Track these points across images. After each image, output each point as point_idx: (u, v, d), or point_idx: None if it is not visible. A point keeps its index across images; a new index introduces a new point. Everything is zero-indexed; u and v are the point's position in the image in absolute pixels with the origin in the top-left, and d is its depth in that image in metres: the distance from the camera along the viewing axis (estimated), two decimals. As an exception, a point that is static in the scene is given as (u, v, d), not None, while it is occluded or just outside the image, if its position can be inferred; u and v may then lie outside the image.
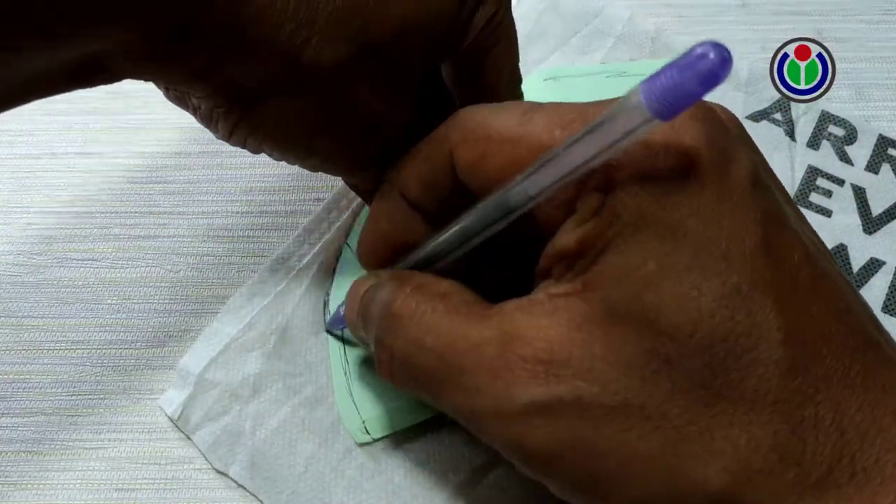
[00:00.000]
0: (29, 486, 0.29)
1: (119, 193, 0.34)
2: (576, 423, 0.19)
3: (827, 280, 0.20)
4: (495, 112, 0.22)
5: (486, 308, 0.22)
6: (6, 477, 0.29)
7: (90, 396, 0.30)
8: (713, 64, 0.15)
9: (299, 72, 0.22)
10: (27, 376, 0.31)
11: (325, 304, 0.32)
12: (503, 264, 0.25)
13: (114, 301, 0.32)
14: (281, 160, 0.26)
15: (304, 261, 0.32)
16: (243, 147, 0.25)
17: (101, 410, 0.30)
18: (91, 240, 0.33)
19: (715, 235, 0.19)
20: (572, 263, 0.20)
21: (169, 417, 0.29)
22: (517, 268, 0.23)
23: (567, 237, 0.20)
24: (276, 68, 0.22)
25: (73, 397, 0.30)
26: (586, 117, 0.20)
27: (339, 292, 0.31)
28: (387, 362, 0.23)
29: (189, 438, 0.29)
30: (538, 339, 0.20)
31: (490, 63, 0.27)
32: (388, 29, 0.23)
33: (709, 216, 0.19)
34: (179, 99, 0.24)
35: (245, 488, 0.28)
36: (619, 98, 0.17)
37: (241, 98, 0.23)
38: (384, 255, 0.26)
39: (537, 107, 0.21)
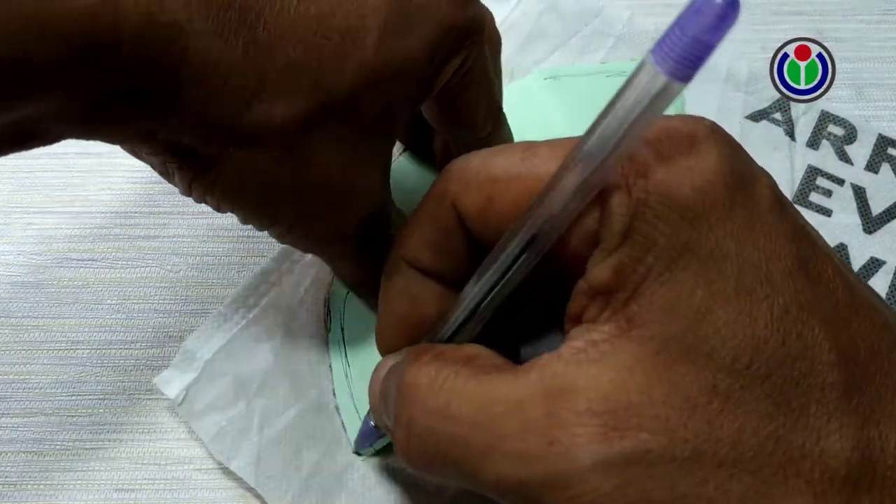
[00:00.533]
0: (29, 486, 0.29)
1: (119, 193, 0.34)
2: (647, 484, 0.17)
3: (858, 293, 0.19)
4: (492, 155, 0.21)
5: (518, 366, 0.19)
6: (6, 477, 0.29)
7: (90, 397, 0.30)
8: (720, 6, 0.14)
9: (250, 128, 0.21)
10: (27, 376, 0.31)
11: (327, 320, 0.32)
12: (518, 325, 0.23)
13: (114, 301, 0.32)
14: (247, 223, 0.25)
15: (308, 255, 0.32)
16: (205, 203, 0.24)
17: (101, 411, 0.30)
18: (91, 240, 0.33)
19: (754, 257, 0.18)
20: (608, 299, 0.18)
21: (168, 398, 0.29)
22: (533, 328, 0.22)
23: (600, 270, 0.18)
24: (221, 126, 0.21)
25: (73, 397, 0.30)
26: None
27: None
28: (404, 440, 0.20)
29: (189, 428, 0.29)
30: (589, 388, 0.17)
31: (465, 102, 0.26)
32: (346, 84, 0.22)
33: (744, 237, 0.18)
34: (134, 153, 0.23)
35: (246, 484, 0.28)
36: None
37: (193, 155, 0.22)
38: (407, 338, 0.24)
39: (536, 144, 0.20)
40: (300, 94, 0.21)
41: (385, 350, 0.24)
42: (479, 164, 0.21)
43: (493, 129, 0.29)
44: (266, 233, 0.25)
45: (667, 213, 0.17)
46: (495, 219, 0.20)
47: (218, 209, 0.24)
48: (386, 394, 0.22)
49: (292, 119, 0.21)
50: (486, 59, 0.26)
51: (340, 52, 0.21)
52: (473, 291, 0.21)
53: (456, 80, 0.25)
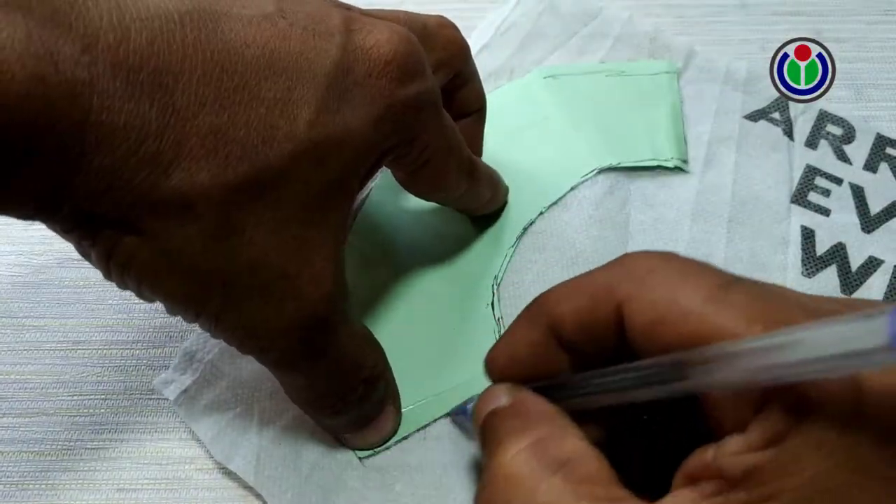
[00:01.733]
0: (30, 486, 0.29)
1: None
2: None
3: None
4: (678, 276, 0.19)
5: (609, 490, 0.19)
6: (8, 477, 0.29)
7: (91, 397, 0.30)
8: None
9: (170, 196, 0.19)
10: (28, 376, 0.31)
11: None
12: (640, 422, 0.23)
13: (115, 301, 0.32)
14: (174, 313, 0.23)
15: None
16: (128, 289, 0.22)
17: (102, 411, 0.30)
18: (92, 240, 0.33)
19: None
20: (728, 487, 0.17)
21: (167, 399, 0.29)
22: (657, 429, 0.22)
23: (732, 461, 0.17)
24: (137, 195, 0.19)
25: (75, 397, 0.30)
26: (791, 321, 0.17)
27: None
28: (480, 499, 0.21)
29: (190, 428, 0.29)
30: None
31: (433, 172, 0.26)
32: (278, 157, 0.21)
33: None
34: (56, 231, 0.21)
35: (247, 484, 0.28)
36: (849, 316, 0.15)
37: (108, 230, 0.20)
38: (514, 375, 0.23)
39: (731, 284, 0.19)
40: (227, 163, 0.20)
41: (496, 376, 0.24)
42: (660, 280, 0.20)
43: (468, 185, 0.29)
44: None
45: (835, 438, 0.16)
46: (659, 342, 0.19)
47: (140, 294, 0.22)
48: (484, 435, 0.22)
49: (218, 188, 0.20)
50: (445, 128, 0.26)
51: (269, 122, 0.20)
52: (593, 384, 0.21)
53: (416, 155, 0.25)
